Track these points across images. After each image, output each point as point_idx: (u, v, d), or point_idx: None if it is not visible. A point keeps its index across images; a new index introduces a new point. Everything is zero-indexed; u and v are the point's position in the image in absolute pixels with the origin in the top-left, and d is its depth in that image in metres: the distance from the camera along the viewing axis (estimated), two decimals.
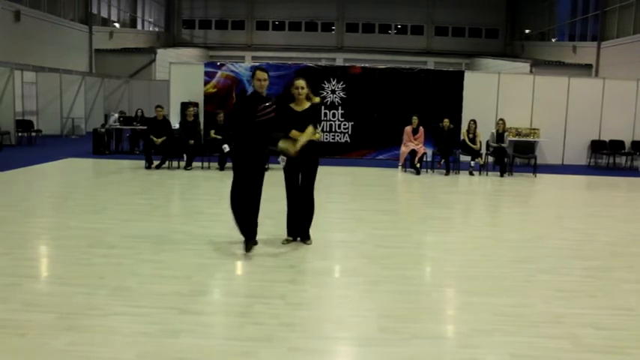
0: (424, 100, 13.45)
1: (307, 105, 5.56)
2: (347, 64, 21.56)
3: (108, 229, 6.16)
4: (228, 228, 6.05)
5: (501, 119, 12.38)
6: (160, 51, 28.65)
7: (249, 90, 12.53)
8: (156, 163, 11.45)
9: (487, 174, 12.05)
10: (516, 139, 13.37)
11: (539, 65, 25.78)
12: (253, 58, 36.00)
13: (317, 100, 5.73)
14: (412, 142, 12.00)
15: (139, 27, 34.54)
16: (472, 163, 12.05)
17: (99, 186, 9.54)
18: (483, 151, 12.36)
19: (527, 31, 35.32)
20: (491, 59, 32.68)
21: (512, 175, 12.03)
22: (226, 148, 9.35)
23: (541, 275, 4.97)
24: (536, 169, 12.16)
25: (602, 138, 14.27)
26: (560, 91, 14.08)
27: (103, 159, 13.01)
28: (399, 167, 12.40)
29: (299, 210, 5.68)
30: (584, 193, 10.72)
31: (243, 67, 13.67)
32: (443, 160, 12.15)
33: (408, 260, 5.38)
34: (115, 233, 5.99)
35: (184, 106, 12.76)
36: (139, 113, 15.21)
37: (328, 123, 13.60)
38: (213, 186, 9.76)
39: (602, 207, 8.97)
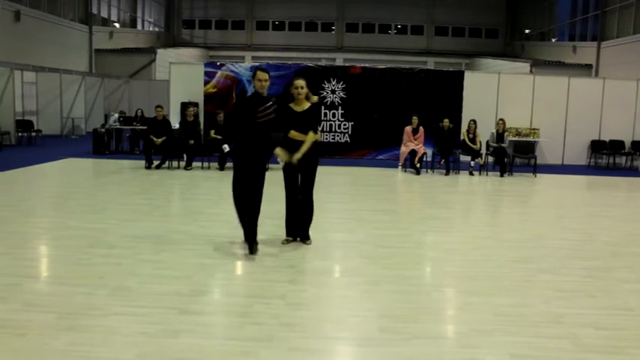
0: (424, 100, 13.45)
1: (307, 105, 5.55)
2: (347, 64, 21.56)
3: (108, 229, 6.16)
4: (228, 228, 6.06)
5: (501, 119, 12.38)
6: (159, 51, 28.65)
7: (249, 90, 12.61)
8: (156, 163, 11.45)
9: (487, 174, 12.05)
10: (516, 139, 13.37)
11: (539, 65, 25.78)
12: (253, 58, 36.02)
13: (315, 99, 5.72)
14: (412, 142, 12.00)
15: (139, 27, 34.54)
16: (472, 163, 12.04)
17: (99, 186, 9.54)
18: (483, 151, 12.36)
19: (527, 31, 35.32)
20: (491, 59, 32.69)
21: (512, 175, 12.03)
22: (226, 148, 9.29)
23: (541, 275, 4.97)
24: (536, 169, 12.16)
25: (602, 138, 14.27)
26: (560, 91, 14.08)
27: (103, 159, 13.01)
28: (399, 167, 12.40)
29: (298, 210, 5.67)
30: (584, 193, 10.72)
31: (243, 67, 13.66)
32: (443, 160, 12.15)
33: (408, 260, 5.38)
34: (115, 233, 5.99)
35: (184, 106, 12.76)
36: (139, 113, 15.21)
37: (328, 123, 13.60)
38: (213, 186, 9.77)
39: (602, 207, 8.97)
